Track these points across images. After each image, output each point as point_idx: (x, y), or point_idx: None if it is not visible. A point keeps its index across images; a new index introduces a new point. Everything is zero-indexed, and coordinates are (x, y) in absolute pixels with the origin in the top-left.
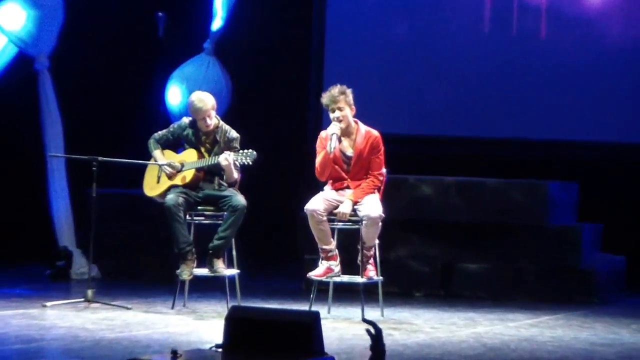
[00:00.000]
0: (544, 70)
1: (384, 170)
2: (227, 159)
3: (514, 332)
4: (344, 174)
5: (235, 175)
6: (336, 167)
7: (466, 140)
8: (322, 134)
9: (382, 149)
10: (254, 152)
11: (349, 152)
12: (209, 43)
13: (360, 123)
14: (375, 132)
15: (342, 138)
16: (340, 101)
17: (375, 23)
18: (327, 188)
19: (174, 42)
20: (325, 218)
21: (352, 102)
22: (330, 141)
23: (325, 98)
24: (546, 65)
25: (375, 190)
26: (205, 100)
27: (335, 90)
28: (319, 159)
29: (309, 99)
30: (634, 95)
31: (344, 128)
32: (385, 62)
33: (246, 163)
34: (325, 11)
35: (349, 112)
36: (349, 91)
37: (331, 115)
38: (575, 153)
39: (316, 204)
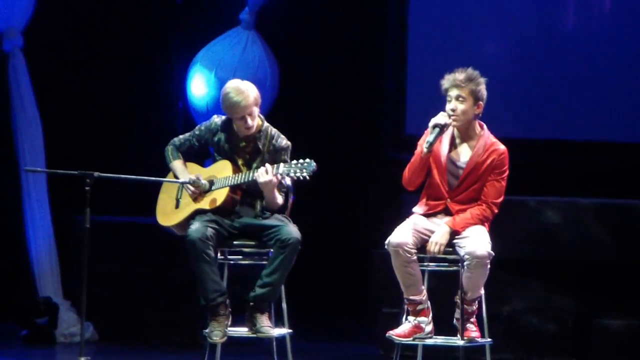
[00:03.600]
0: None
1: (502, 199)
2: (266, 172)
3: None
4: (445, 191)
5: (279, 199)
6: (436, 177)
7: (607, 146)
8: (432, 123)
9: (507, 172)
10: (312, 163)
11: (462, 161)
12: (247, 13)
13: (486, 129)
14: (502, 147)
15: (458, 142)
16: (464, 89)
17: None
18: (418, 212)
19: (199, 10)
20: (415, 257)
21: (482, 96)
22: (429, 135)
23: (446, 81)
24: None
25: (485, 223)
26: (246, 92)
27: (462, 74)
28: (412, 160)
29: (385, 90)
30: None
31: (459, 128)
32: (490, 41)
33: (301, 178)
34: None
35: (470, 109)
36: (481, 80)
37: (447, 106)
38: None
39: (404, 236)
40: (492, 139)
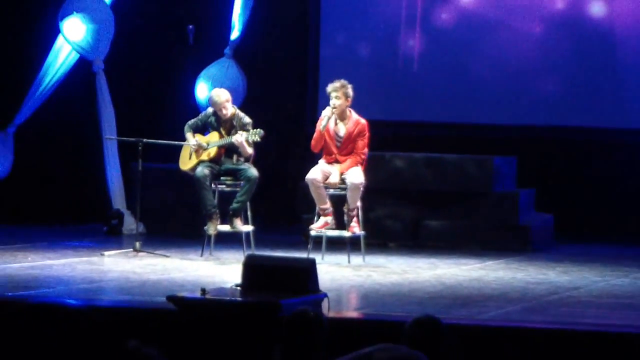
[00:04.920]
0: (490, 68)
1: (366, 150)
2: (238, 138)
3: (466, 273)
4: (334, 150)
5: (249, 151)
6: (329, 143)
7: (431, 125)
8: (321, 115)
9: (367, 134)
10: (261, 131)
11: (341, 133)
12: (229, 49)
13: (353, 112)
14: (363, 120)
15: (338, 122)
16: (338, 91)
17: (359, 37)
18: (321, 161)
19: (202, 48)
20: (322, 184)
21: (349, 94)
22: (321, 121)
23: (329, 87)
24: (491, 64)
25: (359, 164)
26: (221, 94)
27: (338, 83)
28: (314, 135)
29: (307, 92)
30: (561, 85)
31: (337, 113)
32: (369, 64)
33: (255, 139)
34: (320, 27)
35: (343, 102)
36: (348, 86)
37: (330, 102)
38: (514, 134)
39: (314, 174)
40: (357, 117)
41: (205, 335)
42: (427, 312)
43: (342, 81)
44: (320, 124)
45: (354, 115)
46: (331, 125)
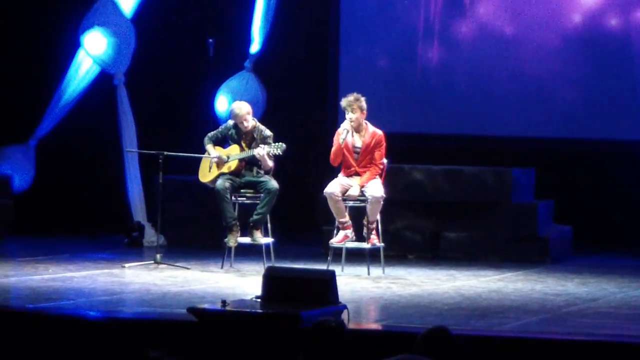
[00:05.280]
0: (509, 84)
1: (384, 160)
2: (260, 151)
3: (485, 285)
4: (353, 163)
5: (270, 163)
6: (348, 156)
7: (450, 137)
8: (339, 129)
9: (384, 144)
10: (283, 145)
11: (359, 145)
12: (249, 62)
13: (369, 124)
14: (379, 132)
15: (355, 134)
16: (353, 105)
17: (378, 49)
18: (340, 175)
19: (222, 61)
20: (340, 198)
21: (364, 107)
22: (340, 135)
23: (343, 101)
24: (510, 81)
25: (378, 176)
26: (242, 107)
27: (352, 97)
28: (332, 149)
29: (326, 105)
30: (579, 98)
31: (354, 127)
32: (388, 76)
33: (277, 153)
34: (339, 39)
35: (359, 115)
36: (362, 99)
37: (346, 116)
38: (532, 146)
39: (333, 187)
40: (373, 128)
41: (226, 347)
42: (439, 324)
43: (356, 95)
44: (340, 138)
45: (370, 127)
46: (348, 138)
